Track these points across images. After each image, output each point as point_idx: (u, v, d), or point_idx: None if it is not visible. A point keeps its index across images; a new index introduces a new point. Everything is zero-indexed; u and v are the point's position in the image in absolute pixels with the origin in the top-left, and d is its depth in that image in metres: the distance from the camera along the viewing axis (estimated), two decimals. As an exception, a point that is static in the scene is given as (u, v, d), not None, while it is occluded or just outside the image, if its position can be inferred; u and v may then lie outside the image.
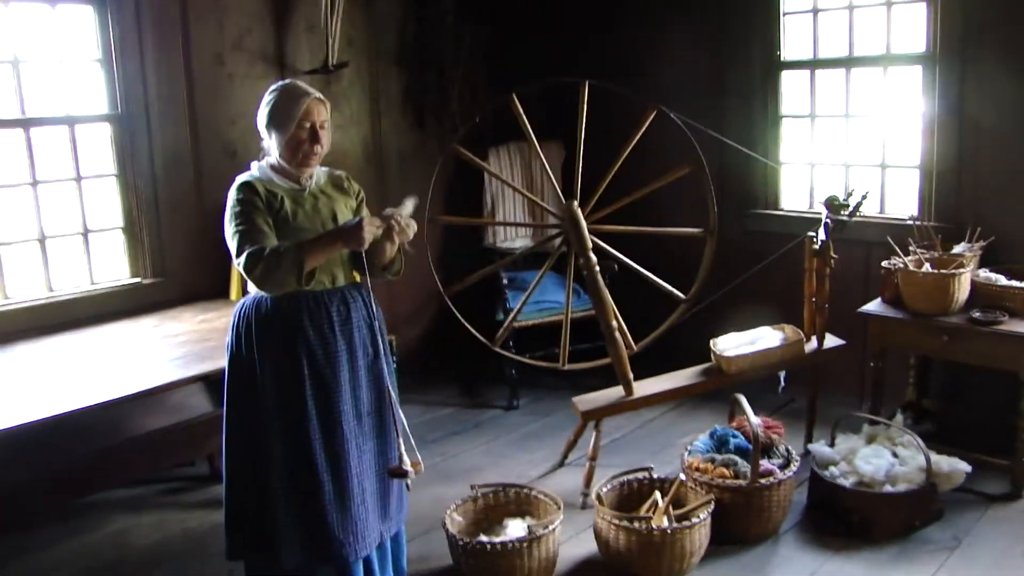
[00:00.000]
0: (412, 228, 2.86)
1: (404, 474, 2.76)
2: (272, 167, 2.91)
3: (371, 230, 2.75)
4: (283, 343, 2.84)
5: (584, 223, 4.02)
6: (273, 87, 2.92)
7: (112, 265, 4.36)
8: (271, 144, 2.90)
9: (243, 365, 2.89)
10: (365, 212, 3.05)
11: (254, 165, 2.94)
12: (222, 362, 3.55)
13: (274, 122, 2.86)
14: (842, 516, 3.61)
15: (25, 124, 4.02)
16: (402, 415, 2.91)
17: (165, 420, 3.94)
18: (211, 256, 4.49)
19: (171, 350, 3.75)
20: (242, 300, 2.96)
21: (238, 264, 2.76)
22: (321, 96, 2.90)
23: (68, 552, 3.72)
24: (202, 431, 3.97)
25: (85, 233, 4.25)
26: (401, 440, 2.80)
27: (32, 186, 4.07)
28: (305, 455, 2.86)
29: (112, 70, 4.20)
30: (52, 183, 4.15)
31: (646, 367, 4.23)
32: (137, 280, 4.38)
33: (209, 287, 4.51)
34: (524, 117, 4.00)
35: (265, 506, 2.88)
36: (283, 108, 2.84)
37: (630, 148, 4.09)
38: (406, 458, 2.77)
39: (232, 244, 2.79)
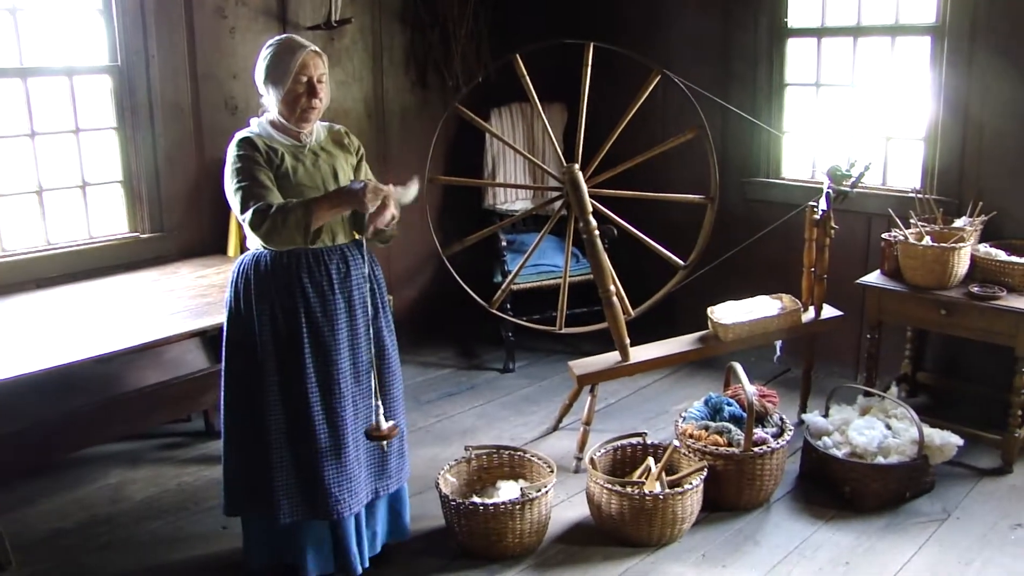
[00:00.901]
0: (394, 216, 2.82)
1: (382, 437, 2.79)
2: (272, 123, 2.91)
3: (373, 197, 2.72)
4: (282, 300, 2.85)
5: (585, 186, 4.00)
6: (269, 42, 2.90)
7: (110, 219, 4.34)
8: (269, 100, 2.90)
9: (242, 321, 2.90)
10: (370, 175, 3.03)
11: (254, 121, 2.95)
12: (220, 318, 3.57)
13: (271, 77, 2.84)
14: (834, 486, 3.63)
15: (23, 74, 3.97)
16: (397, 376, 2.91)
17: (162, 375, 3.95)
18: (210, 211, 4.48)
19: (169, 305, 3.74)
20: (241, 257, 2.96)
21: (243, 220, 2.75)
22: (318, 49, 2.88)
23: (66, 504, 3.75)
24: (198, 386, 3.99)
25: (83, 186, 4.22)
26: (380, 403, 2.82)
27: (30, 137, 4.03)
28: (303, 412, 2.89)
29: (112, 21, 4.15)
30: (50, 135, 4.11)
31: (642, 333, 4.24)
32: (135, 234, 4.35)
33: (207, 242, 4.50)
34: (527, 78, 3.96)
35: (263, 462, 2.91)
36: (279, 63, 2.82)
37: (633, 112, 4.06)
38: (383, 420, 2.80)
39: (235, 200, 2.78)
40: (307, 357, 2.87)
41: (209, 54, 4.40)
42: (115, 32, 4.16)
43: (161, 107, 4.27)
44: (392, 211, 2.80)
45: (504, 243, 5.10)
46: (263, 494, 2.93)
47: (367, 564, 3.15)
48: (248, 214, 2.72)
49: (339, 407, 2.92)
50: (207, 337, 4.06)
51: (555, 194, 4.18)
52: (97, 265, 4.17)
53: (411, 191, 2.81)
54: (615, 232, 4.58)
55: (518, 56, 3.95)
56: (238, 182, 2.78)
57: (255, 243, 2.88)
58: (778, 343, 4.23)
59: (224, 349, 2.97)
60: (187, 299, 3.80)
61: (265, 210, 2.70)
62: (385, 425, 2.79)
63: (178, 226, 4.42)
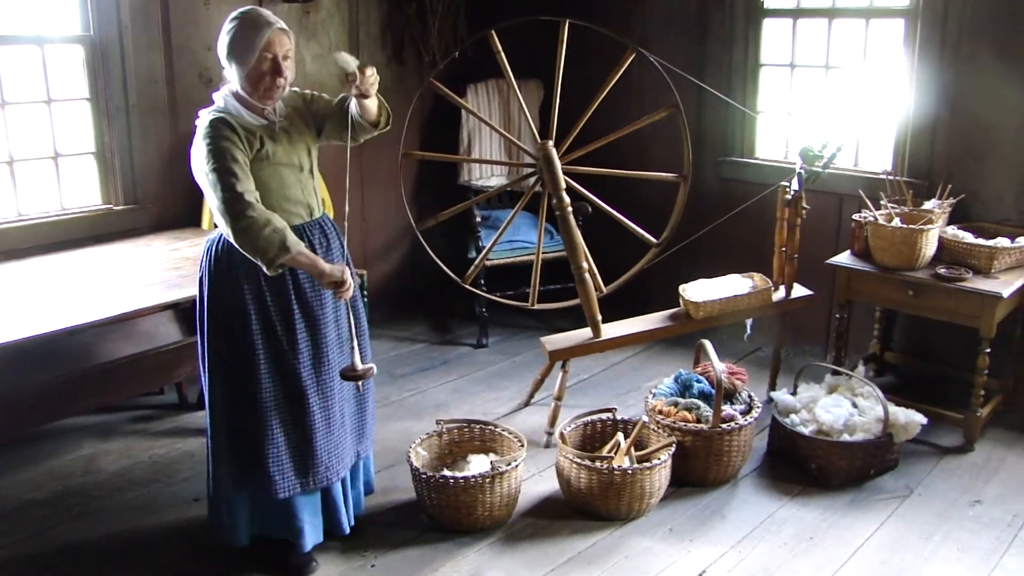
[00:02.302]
0: (371, 74, 2.77)
1: (358, 377, 2.83)
2: (237, 97, 2.80)
3: (349, 291, 2.83)
4: (268, 276, 2.81)
5: (559, 163, 4.01)
6: (233, 15, 2.78)
7: (83, 191, 4.31)
8: (232, 75, 2.80)
9: (224, 299, 2.87)
10: (341, 268, 2.93)
11: (218, 96, 2.83)
12: (192, 291, 3.57)
13: (235, 54, 2.74)
14: (800, 463, 3.70)
15: (-7, 42, 3.94)
16: (364, 319, 2.94)
17: (135, 347, 3.93)
18: (183, 184, 4.43)
19: (143, 277, 3.73)
20: (216, 232, 2.89)
21: (217, 208, 2.68)
22: (284, 26, 2.79)
23: (39, 475, 3.76)
24: (172, 359, 3.97)
25: (55, 157, 4.19)
26: (356, 343, 2.84)
27: (0, 107, 3.99)
28: (295, 385, 2.91)
29: (84, -11, 4.11)
30: (22, 104, 4.07)
31: (614, 310, 4.28)
32: (108, 206, 4.33)
33: (181, 215, 4.48)
34: (503, 54, 3.96)
35: (253, 440, 2.92)
36: (244, 39, 2.72)
37: (607, 89, 4.08)
38: (358, 361, 2.83)
39: (211, 184, 2.68)
40: (299, 331, 2.89)
41: (183, 25, 4.36)
42: (88, 1, 4.12)
43: (134, 78, 4.24)
44: (367, 92, 2.79)
45: (479, 219, 5.12)
46: (255, 471, 2.93)
47: (353, 522, 3.22)
48: (224, 215, 2.65)
49: (328, 377, 2.96)
50: (180, 309, 4.03)
51: (529, 171, 4.20)
52: (69, 237, 4.15)
53: (348, 60, 2.74)
54: (589, 209, 4.61)
55: (494, 32, 3.94)
56: (213, 172, 2.67)
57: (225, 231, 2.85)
58: (748, 322, 4.28)
59: (205, 328, 2.93)
60: (161, 271, 3.79)
61: (243, 206, 2.63)
62: (361, 366, 2.82)
63: (151, 198, 4.40)
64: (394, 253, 5.51)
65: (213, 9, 4.43)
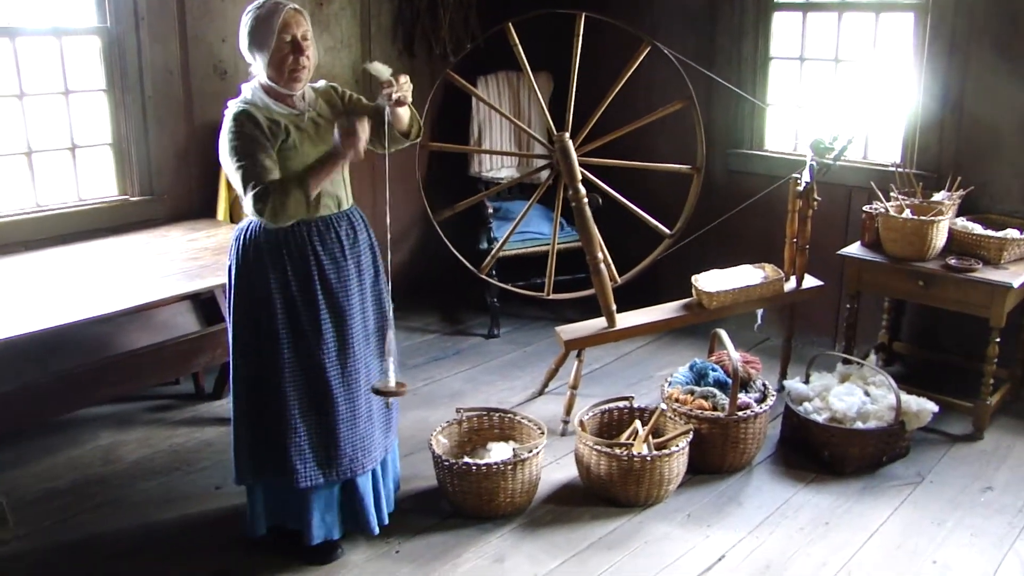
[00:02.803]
0: (405, 82, 2.80)
1: (390, 393, 2.85)
2: (264, 88, 2.85)
3: (363, 137, 2.74)
4: (295, 267, 2.87)
5: (575, 155, 4.05)
6: (248, 8, 2.83)
7: (100, 181, 4.33)
8: (257, 66, 2.85)
9: (251, 288, 2.91)
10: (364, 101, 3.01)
11: (246, 88, 2.88)
12: (211, 281, 3.63)
13: (255, 41, 2.79)
14: (814, 450, 3.75)
15: (11, 34, 3.94)
16: (393, 336, 2.97)
17: (152, 338, 3.97)
18: (199, 175, 4.49)
19: (162, 267, 3.76)
20: (244, 223, 2.95)
21: (245, 203, 2.74)
22: (298, 7, 2.83)
23: (58, 465, 3.78)
24: (190, 349, 4.01)
25: (73, 148, 4.21)
26: (391, 360, 2.86)
27: (19, 98, 4.01)
28: (320, 375, 2.93)
29: (102, -19, 4.13)
30: (39, 96, 4.09)
31: (625, 301, 4.31)
32: (125, 197, 4.35)
33: (196, 206, 4.51)
34: (519, 47, 4.00)
35: (277, 428, 2.95)
36: (262, 25, 2.77)
37: (622, 82, 4.12)
38: (392, 377, 2.85)
39: (236, 180, 2.76)
40: (324, 321, 2.91)
41: (199, 17, 4.38)
42: (105, -7, 4.14)
43: (151, 70, 4.26)
44: (403, 99, 2.80)
45: (491, 210, 5.15)
46: (277, 460, 2.96)
47: (386, 522, 3.23)
48: (249, 201, 2.71)
49: (353, 368, 2.98)
50: (199, 300, 4.08)
51: (542, 163, 4.23)
52: (86, 228, 4.17)
53: (381, 70, 2.76)
54: (599, 201, 4.65)
55: (511, 25, 3.97)
56: (238, 163, 2.73)
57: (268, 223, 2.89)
58: (759, 311, 4.33)
59: (231, 317, 2.97)
60: (180, 262, 3.82)
61: (264, 192, 2.69)
62: (394, 383, 2.84)
63: (167, 189, 4.42)
64: (405, 244, 5.54)
65: (228, 2, 4.45)
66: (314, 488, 3.01)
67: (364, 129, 2.75)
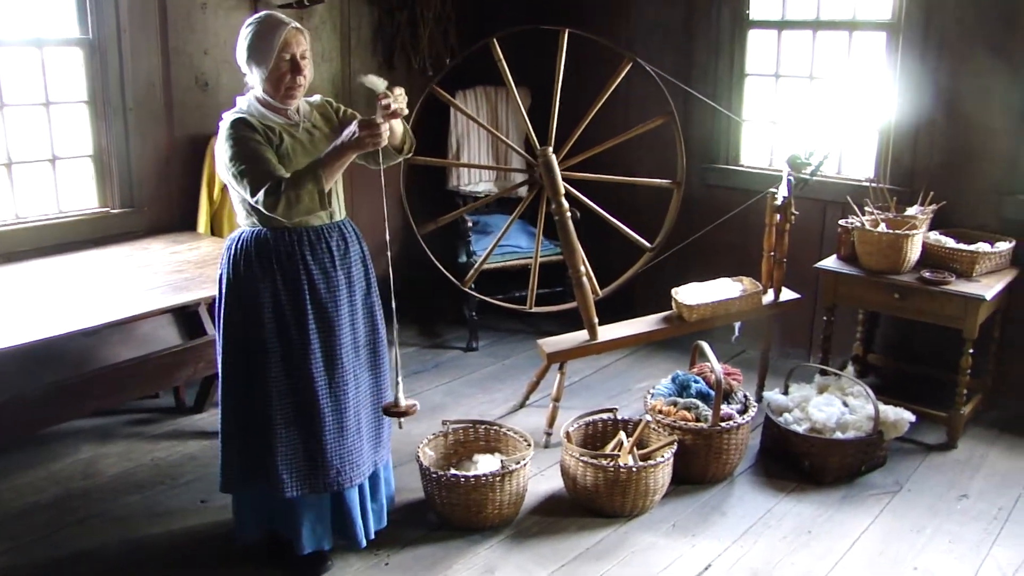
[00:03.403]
0: (400, 94, 2.76)
1: (401, 413, 2.83)
2: (259, 100, 2.88)
3: (385, 126, 2.70)
4: (285, 277, 2.87)
5: (558, 169, 4.10)
6: (250, 20, 2.86)
7: (80, 193, 4.31)
8: (253, 79, 2.87)
9: (241, 298, 2.91)
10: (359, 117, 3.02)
11: (241, 100, 2.91)
12: (195, 294, 3.62)
13: (254, 56, 2.81)
14: (794, 460, 3.81)
15: (-8, 44, 3.93)
16: (397, 353, 2.97)
17: (134, 351, 3.93)
18: (180, 187, 4.48)
19: (146, 280, 3.75)
20: (235, 233, 2.95)
21: (256, 202, 2.72)
22: (299, 26, 2.86)
23: (39, 479, 3.74)
24: (172, 363, 3.98)
25: (53, 160, 4.18)
26: (400, 379, 2.85)
27: (-1, 109, 3.99)
28: (307, 387, 2.93)
29: (84, -7, 4.12)
30: (20, 107, 4.07)
31: (604, 314, 4.34)
32: (106, 209, 4.33)
33: (177, 218, 4.49)
34: (503, 62, 4.04)
35: (264, 437, 2.94)
36: (262, 41, 2.79)
37: (604, 98, 4.17)
38: (402, 398, 2.84)
39: (240, 183, 2.74)
40: (312, 332, 2.91)
41: (181, 30, 4.38)
42: (87, 4, 4.12)
43: (133, 82, 4.25)
44: (398, 112, 2.74)
45: (469, 224, 5.18)
46: (264, 469, 2.96)
47: (372, 536, 3.21)
48: (260, 195, 2.69)
49: (342, 381, 2.98)
50: (182, 313, 4.06)
51: (523, 177, 4.26)
52: (66, 240, 4.15)
53: (377, 83, 2.74)
54: (578, 215, 4.69)
55: (495, 40, 4.02)
56: (241, 165, 2.73)
57: (249, 220, 2.90)
58: (737, 324, 4.40)
59: (221, 327, 2.97)
60: (164, 275, 3.80)
61: (275, 189, 2.68)
62: (404, 402, 2.83)
63: (148, 201, 4.40)
64: (384, 257, 5.51)
65: (210, 13, 4.46)
66: (302, 498, 3.01)
67: (385, 124, 2.71)
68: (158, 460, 3.91)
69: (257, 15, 2.87)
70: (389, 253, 2.92)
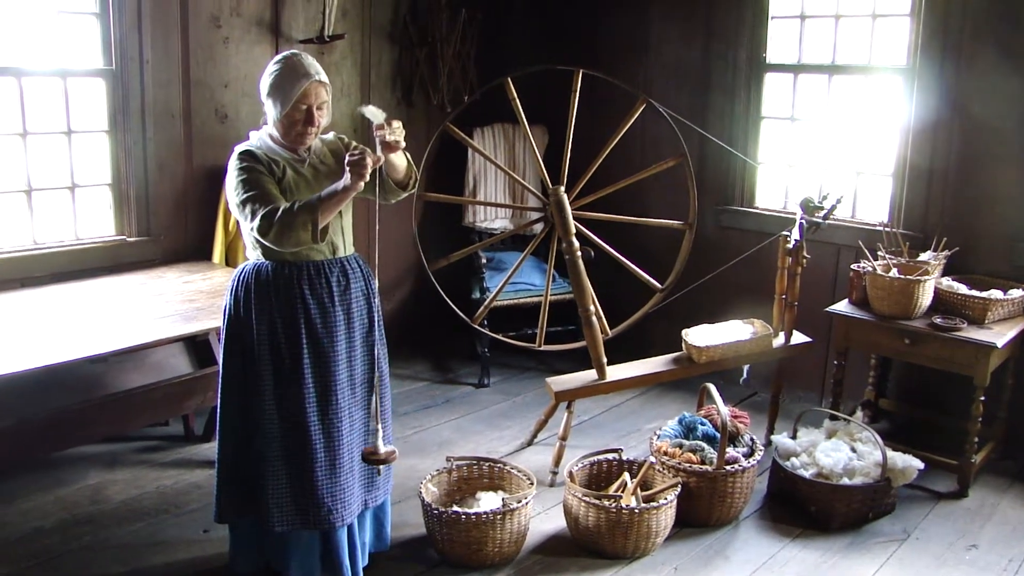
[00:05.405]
0: (398, 127, 2.79)
1: (380, 461, 2.83)
2: (271, 136, 2.94)
3: (370, 162, 2.71)
4: (282, 311, 2.89)
5: (569, 209, 4.12)
6: (279, 57, 2.91)
7: (98, 221, 4.37)
8: (269, 112, 2.93)
9: (240, 329, 2.94)
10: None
11: (254, 135, 2.98)
12: (206, 324, 3.65)
13: (273, 95, 2.88)
14: (800, 505, 3.77)
15: (18, 73, 4.00)
16: (388, 397, 2.96)
17: (146, 378, 3.97)
18: (196, 217, 4.54)
19: (159, 308, 3.79)
20: (241, 265, 3.00)
21: (251, 228, 2.77)
22: (323, 78, 2.90)
23: (46, 503, 3.76)
24: (182, 391, 4.01)
25: (72, 187, 4.25)
26: (380, 425, 2.86)
27: (22, 137, 4.06)
28: (300, 422, 2.93)
29: (108, 25, 4.20)
30: (42, 135, 4.14)
31: (615, 354, 4.34)
32: (122, 237, 4.39)
33: (192, 248, 4.55)
34: (517, 101, 4.08)
35: (257, 470, 2.96)
36: (283, 85, 2.85)
37: (618, 138, 4.20)
38: (381, 445, 2.84)
39: (242, 211, 2.81)
40: (306, 368, 2.92)
41: (202, 62, 4.46)
42: (111, 36, 4.21)
43: (153, 112, 4.32)
44: (395, 144, 2.78)
45: (483, 260, 5.20)
46: (255, 501, 2.97)
47: (360, 575, 3.20)
48: (256, 221, 2.74)
49: (335, 419, 2.98)
50: (195, 342, 4.09)
51: (536, 215, 4.29)
52: (83, 266, 4.20)
53: (376, 113, 2.78)
54: (591, 254, 4.70)
55: (509, 79, 4.06)
56: (243, 193, 2.80)
57: (254, 253, 2.94)
58: (745, 367, 4.37)
59: (222, 356, 3.00)
60: (177, 303, 3.84)
61: (272, 214, 2.72)
62: (383, 449, 2.83)
63: (164, 231, 4.46)
64: (397, 292, 5.57)
65: (232, 48, 4.54)
66: (292, 532, 3.01)
67: (371, 156, 2.73)
68: (164, 488, 3.92)
69: (287, 56, 2.91)
70: (376, 284, 2.95)
